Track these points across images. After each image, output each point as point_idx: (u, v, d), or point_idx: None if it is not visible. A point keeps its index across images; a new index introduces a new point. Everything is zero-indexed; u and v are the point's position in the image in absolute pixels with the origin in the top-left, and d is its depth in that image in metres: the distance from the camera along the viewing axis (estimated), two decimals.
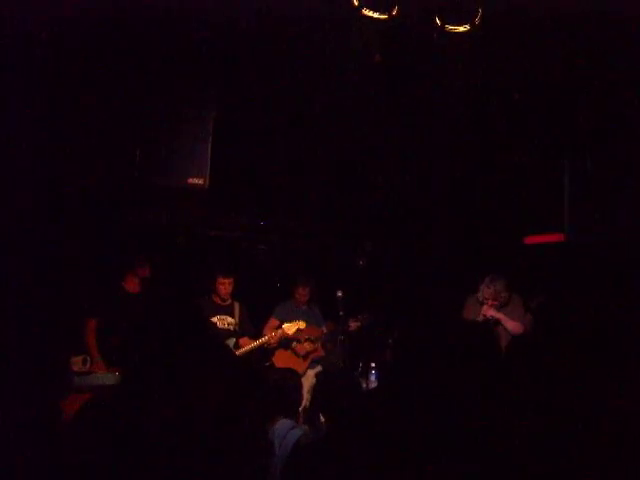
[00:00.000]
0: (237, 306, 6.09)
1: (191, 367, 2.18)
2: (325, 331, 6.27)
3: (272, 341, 6.02)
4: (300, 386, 3.37)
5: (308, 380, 6.01)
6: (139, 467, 1.96)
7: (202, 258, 6.54)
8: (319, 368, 6.32)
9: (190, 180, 5.73)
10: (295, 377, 3.43)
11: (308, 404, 4.84)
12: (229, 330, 5.98)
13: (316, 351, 6.30)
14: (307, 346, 6.26)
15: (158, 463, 1.97)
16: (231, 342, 5.91)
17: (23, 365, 4.13)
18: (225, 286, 5.93)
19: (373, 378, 5.57)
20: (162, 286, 5.85)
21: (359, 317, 6.30)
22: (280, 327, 6.17)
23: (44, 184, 5.42)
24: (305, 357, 6.27)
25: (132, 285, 5.63)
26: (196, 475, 2.02)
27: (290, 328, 6.07)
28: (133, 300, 5.54)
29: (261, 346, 5.99)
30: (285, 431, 2.82)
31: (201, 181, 5.72)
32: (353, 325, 6.24)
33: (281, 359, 6.19)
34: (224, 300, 6.01)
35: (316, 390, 2.86)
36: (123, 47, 5.36)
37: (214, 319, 5.94)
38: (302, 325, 6.12)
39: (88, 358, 5.17)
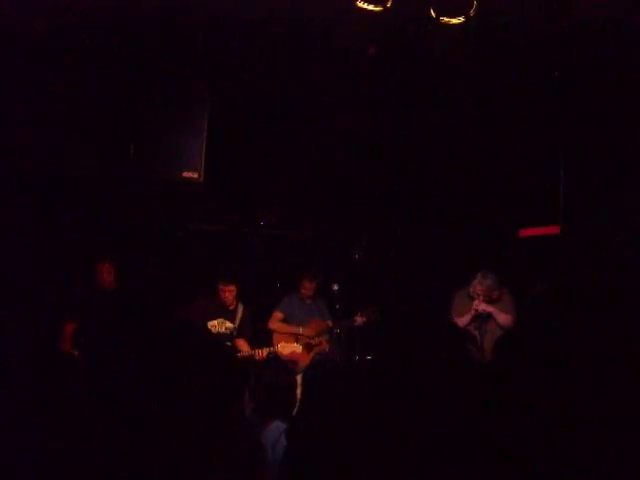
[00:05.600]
0: (241, 309, 5.95)
1: (179, 364, 2.17)
2: (331, 325, 6.13)
3: (258, 357, 5.83)
4: (295, 385, 3.36)
5: None
6: (126, 466, 1.96)
7: (199, 253, 6.53)
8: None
9: (185, 174, 5.71)
10: (288, 377, 3.41)
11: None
12: (226, 334, 5.85)
13: (321, 345, 6.21)
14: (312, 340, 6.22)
15: (144, 463, 1.97)
16: None
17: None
18: (226, 294, 5.79)
19: None
20: (151, 282, 5.85)
21: (365, 312, 6.17)
22: (284, 320, 6.16)
23: (35, 179, 5.41)
24: (309, 350, 6.19)
25: (104, 282, 5.60)
26: (185, 476, 2.03)
27: (285, 349, 5.95)
28: (107, 296, 5.54)
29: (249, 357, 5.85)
30: (278, 434, 2.82)
31: (196, 175, 5.70)
32: (359, 320, 6.14)
33: (286, 349, 6.10)
34: (228, 304, 5.88)
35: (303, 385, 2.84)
36: (117, 41, 5.33)
37: (213, 322, 5.84)
38: (298, 349, 6.00)
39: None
